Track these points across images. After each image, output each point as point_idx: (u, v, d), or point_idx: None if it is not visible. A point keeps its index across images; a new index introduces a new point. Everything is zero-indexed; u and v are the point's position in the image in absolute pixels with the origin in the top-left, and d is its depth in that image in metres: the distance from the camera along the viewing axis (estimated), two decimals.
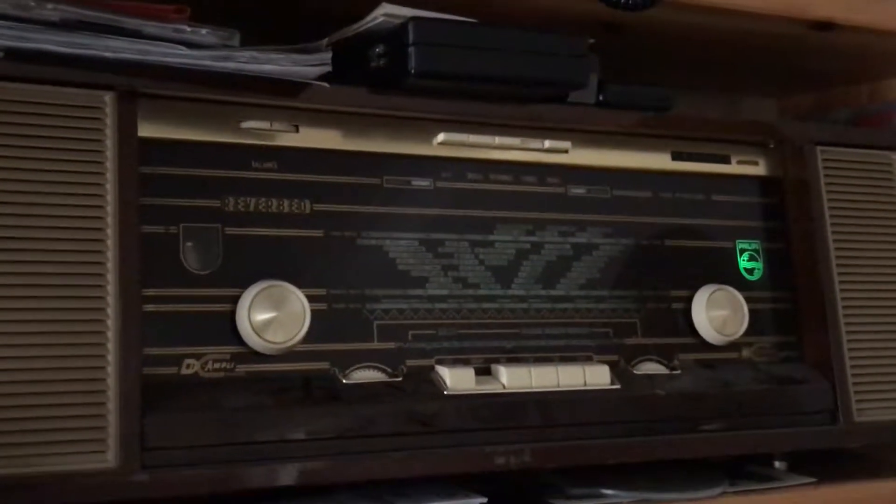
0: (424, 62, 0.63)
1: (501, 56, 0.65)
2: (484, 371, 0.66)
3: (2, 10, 0.54)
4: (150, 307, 0.58)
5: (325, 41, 0.63)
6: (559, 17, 0.76)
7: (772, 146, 0.80)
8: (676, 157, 0.76)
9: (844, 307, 0.77)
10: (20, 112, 0.55)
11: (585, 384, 0.67)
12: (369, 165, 0.66)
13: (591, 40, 0.70)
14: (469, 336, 0.67)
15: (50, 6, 0.55)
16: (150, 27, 0.57)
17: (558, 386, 0.66)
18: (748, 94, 1.11)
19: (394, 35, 0.64)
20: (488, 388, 0.65)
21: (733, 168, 0.79)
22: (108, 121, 0.57)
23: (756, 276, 0.77)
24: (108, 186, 0.57)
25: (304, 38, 0.66)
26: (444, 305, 0.66)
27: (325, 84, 0.61)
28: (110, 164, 0.57)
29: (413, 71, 0.63)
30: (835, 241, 0.77)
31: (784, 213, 0.79)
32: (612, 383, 0.68)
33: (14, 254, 0.54)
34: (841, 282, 0.77)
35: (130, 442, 0.55)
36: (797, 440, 0.74)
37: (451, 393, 0.64)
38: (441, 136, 0.68)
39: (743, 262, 0.77)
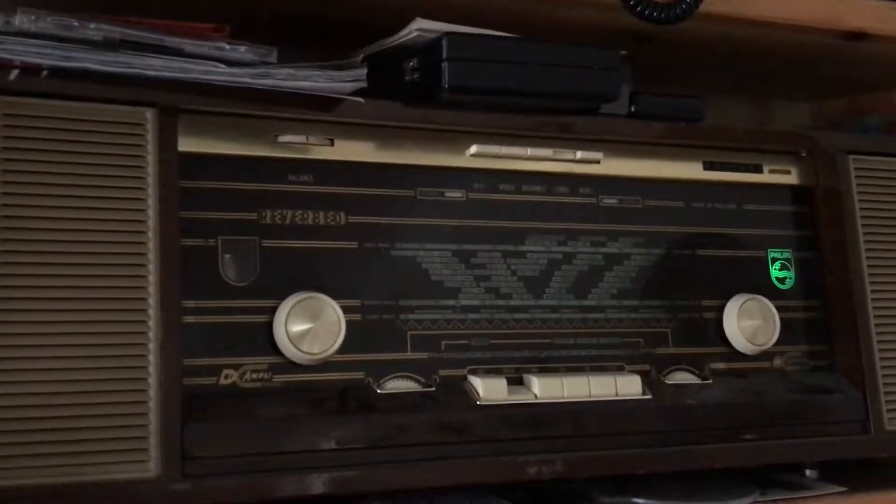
0: (458, 77, 0.64)
1: (534, 70, 0.66)
2: (516, 381, 0.67)
3: (46, 30, 0.55)
4: (189, 318, 0.59)
5: (359, 56, 0.64)
6: (591, 28, 0.77)
7: (804, 155, 0.80)
8: (708, 166, 0.77)
9: (876, 316, 0.77)
10: (64, 129, 0.57)
11: (617, 394, 0.68)
12: (403, 177, 0.67)
13: (623, 52, 0.71)
14: (501, 346, 0.67)
15: (93, 26, 0.56)
16: (191, 45, 0.58)
17: (590, 396, 0.67)
18: (781, 99, 1.11)
19: (428, 50, 0.65)
20: (520, 397, 0.66)
21: (765, 177, 0.79)
22: (150, 136, 0.58)
23: (788, 285, 0.78)
24: (150, 200, 0.58)
25: (338, 50, 0.67)
26: (476, 316, 0.67)
27: (360, 99, 0.62)
28: (151, 179, 0.58)
29: (447, 86, 0.64)
30: (867, 249, 0.77)
31: (816, 221, 0.79)
32: (644, 393, 0.69)
33: (58, 267, 0.56)
34: (873, 291, 0.77)
35: (171, 451, 0.56)
36: (828, 450, 0.74)
37: (483, 403, 0.64)
38: (473, 148, 0.68)
39: (775, 272, 0.77)
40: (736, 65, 0.92)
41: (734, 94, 1.05)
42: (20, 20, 0.55)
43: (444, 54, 0.64)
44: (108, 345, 0.56)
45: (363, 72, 0.62)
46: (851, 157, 0.79)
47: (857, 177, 0.79)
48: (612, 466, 0.67)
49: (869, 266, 0.77)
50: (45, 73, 0.56)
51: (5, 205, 0.55)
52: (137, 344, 0.56)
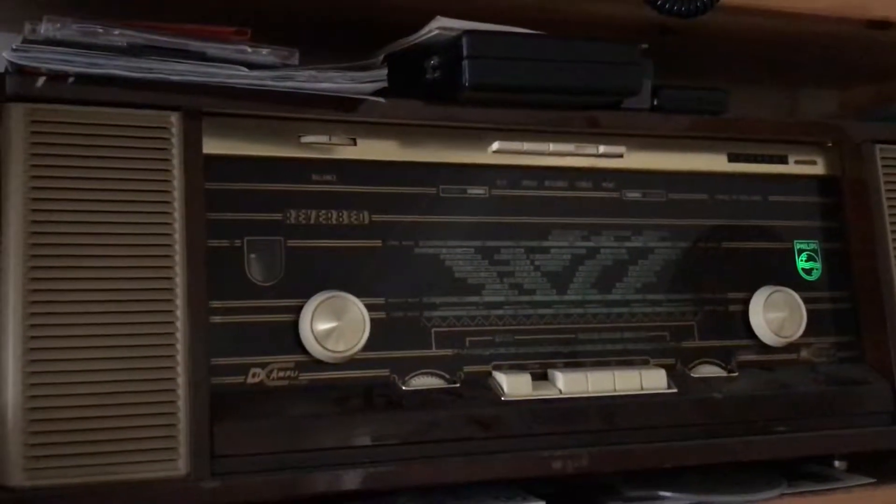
0: (478, 75, 0.64)
1: (554, 66, 0.66)
2: (541, 376, 0.67)
3: (71, 37, 0.56)
4: (216, 319, 0.60)
5: (380, 57, 0.64)
6: (613, 22, 0.76)
7: (830, 145, 0.79)
8: (733, 158, 0.77)
9: None
10: (91, 134, 0.58)
11: (642, 388, 0.68)
12: (425, 175, 0.67)
13: (645, 45, 0.71)
14: (525, 342, 0.68)
15: (117, 32, 0.57)
16: (214, 49, 0.59)
17: (615, 390, 0.67)
18: (808, 87, 1.10)
19: (448, 48, 0.66)
20: (545, 393, 0.66)
21: (791, 168, 0.78)
22: (175, 140, 0.59)
23: (814, 277, 0.77)
24: (176, 203, 0.59)
25: (360, 50, 0.68)
26: (500, 312, 0.68)
27: (381, 99, 0.63)
28: (177, 181, 0.59)
29: (467, 84, 0.64)
30: (894, 239, 0.77)
31: (843, 212, 0.78)
32: (669, 387, 0.69)
33: (86, 270, 0.57)
34: None
35: (200, 450, 0.57)
36: (856, 442, 0.74)
37: (508, 399, 0.65)
38: (496, 145, 0.69)
39: (801, 263, 0.77)
40: (762, 55, 0.91)
41: (762, 83, 1.04)
42: (45, 28, 0.56)
43: (465, 52, 0.64)
44: (136, 346, 0.57)
45: (384, 72, 0.62)
46: (878, 146, 0.78)
47: (883, 166, 0.78)
48: (637, 461, 0.67)
49: None
50: (71, 79, 0.57)
51: (34, 210, 0.56)
52: (165, 345, 0.57)
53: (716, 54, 0.89)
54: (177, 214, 0.59)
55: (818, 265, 0.78)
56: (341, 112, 0.64)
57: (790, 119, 1.03)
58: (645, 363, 0.70)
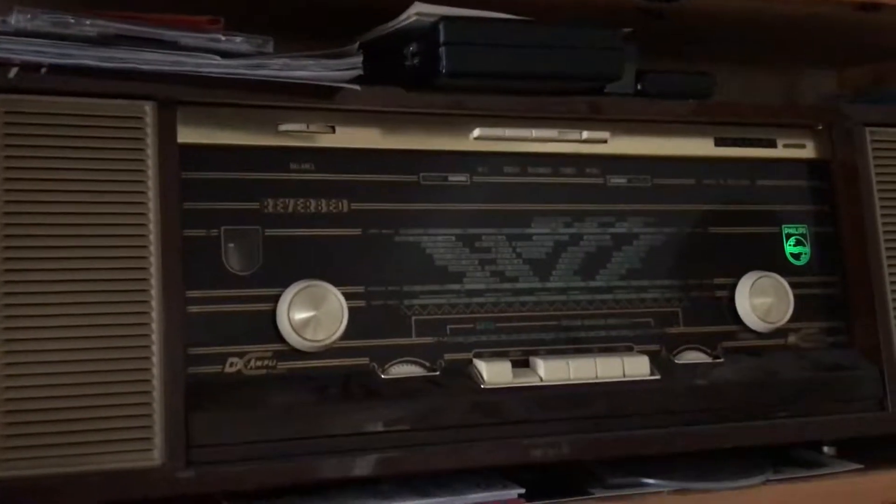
0: (456, 62, 0.64)
1: (533, 52, 0.66)
2: (522, 364, 0.67)
3: (42, 28, 0.56)
4: (193, 308, 0.60)
5: (356, 44, 0.64)
6: (602, 7, 0.75)
7: (819, 128, 0.78)
8: (720, 142, 0.76)
9: (894, 291, 0.75)
10: (65, 124, 0.58)
11: (624, 375, 0.68)
12: (405, 163, 0.67)
13: (629, 29, 0.70)
14: (507, 329, 0.68)
15: (88, 22, 0.57)
16: (187, 38, 0.59)
17: (596, 378, 0.67)
18: (807, 67, 1.09)
19: (427, 34, 0.65)
20: (525, 381, 0.66)
21: (780, 152, 0.78)
22: (149, 130, 0.59)
23: (803, 261, 0.77)
24: (150, 193, 0.59)
25: (343, 37, 0.67)
26: (481, 299, 0.67)
27: (356, 86, 0.62)
28: (152, 171, 0.59)
29: (444, 71, 0.64)
30: (884, 223, 0.76)
31: (832, 196, 0.78)
32: (652, 374, 0.68)
33: (61, 261, 0.57)
34: (890, 265, 0.76)
35: (176, 439, 0.57)
36: (844, 428, 0.74)
37: (487, 386, 0.65)
38: (477, 132, 0.68)
39: (789, 247, 0.76)
40: (756, 36, 0.90)
41: (761, 65, 1.03)
42: (16, 19, 0.55)
43: (442, 39, 0.64)
44: (111, 336, 0.57)
45: (358, 59, 0.62)
46: (868, 129, 0.77)
47: (874, 149, 0.77)
48: (618, 448, 0.67)
49: (886, 241, 0.76)
50: (43, 70, 0.57)
51: (8, 201, 0.56)
52: (140, 335, 0.57)
53: (710, 37, 0.89)
54: (151, 204, 0.59)
55: (807, 250, 0.77)
56: (320, 100, 0.63)
57: (779, 102, 1.02)
58: (628, 350, 0.70)
